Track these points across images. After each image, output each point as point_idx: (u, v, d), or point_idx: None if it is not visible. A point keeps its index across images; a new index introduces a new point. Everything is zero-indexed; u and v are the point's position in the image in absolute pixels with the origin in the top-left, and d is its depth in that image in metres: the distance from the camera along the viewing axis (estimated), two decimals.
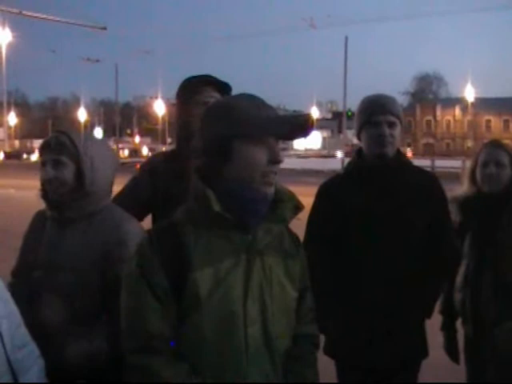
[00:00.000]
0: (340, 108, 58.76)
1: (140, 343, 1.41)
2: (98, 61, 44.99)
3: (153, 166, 2.46)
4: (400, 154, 2.38)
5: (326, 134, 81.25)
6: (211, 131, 1.46)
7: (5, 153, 53.07)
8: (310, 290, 1.66)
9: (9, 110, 61.06)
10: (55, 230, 1.95)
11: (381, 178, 2.30)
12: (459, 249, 2.54)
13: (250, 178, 1.44)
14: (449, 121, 76.41)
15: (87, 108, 74.99)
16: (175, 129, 2.53)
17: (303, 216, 1.75)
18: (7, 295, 1.72)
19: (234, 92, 2.26)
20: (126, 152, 53.90)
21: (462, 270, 2.62)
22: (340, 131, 59.49)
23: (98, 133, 43.33)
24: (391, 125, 2.28)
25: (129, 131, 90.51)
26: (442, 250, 2.34)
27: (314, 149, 72.46)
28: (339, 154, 52.79)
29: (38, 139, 59.70)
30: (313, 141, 74.16)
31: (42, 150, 1.95)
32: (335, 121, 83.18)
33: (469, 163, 2.76)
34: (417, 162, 2.62)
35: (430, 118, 77.22)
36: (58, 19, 39.73)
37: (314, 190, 2.50)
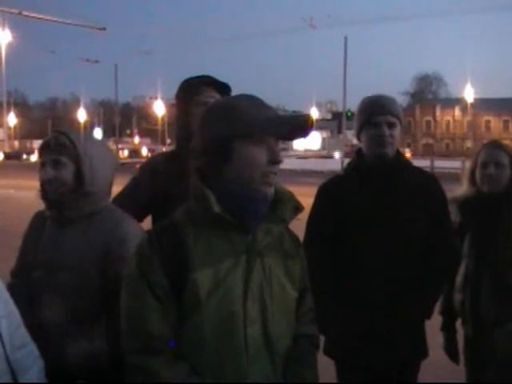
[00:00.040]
0: (339, 108, 58.77)
1: (140, 343, 1.41)
2: (97, 61, 44.97)
3: (153, 166, 2.46)
4: (400, 155, 2.38)
5: (325, 134, 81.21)
6: (211, 131, 1.46)
7: (4, 153, 53.08)
8: (309, 290, 1.66)
9: (8, 111, 61.06)
10: (55, 230, 1.95)
11: (380, 178, 2.31)
12: (459, 249, 2.54)
13: (249, 179, 1.44)
14: (448, 121, 76.43)
15: (87, 108, 74.98)
16: (175, 129, 2.53)
17: (303, 216, 1.75)
18: (7, 295, 1.72)
19: (234, 92, 2.27)
20: (126, 152, 53.90)
21: (461, 270, 2.62)
22: (340, 132, 59.51)
23: (98, 133, 43.25)
24: (391, 125, 2.28)
25: (128, 132, 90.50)
26: (442, 251, 2.35)
27: (313, 149, 72.46)
28: (337, 154, 52.81)
29: (37, 139, 59.67)
30: (312, 141, 74.13)
31: (42, 150, 1.95)
32: (335, 121, 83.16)
33: (468, 164, 2.76)
34: (416, 163, 2.62)
35: (429, 118, 77.23)
36: (57, 20, 39.73)
37: (313, 190, 2.50)
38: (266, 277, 1.48)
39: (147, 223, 2.15)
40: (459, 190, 2.71)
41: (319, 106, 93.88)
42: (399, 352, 2.27)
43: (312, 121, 1.50)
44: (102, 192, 1.97)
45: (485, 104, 68.10)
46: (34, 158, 40.81)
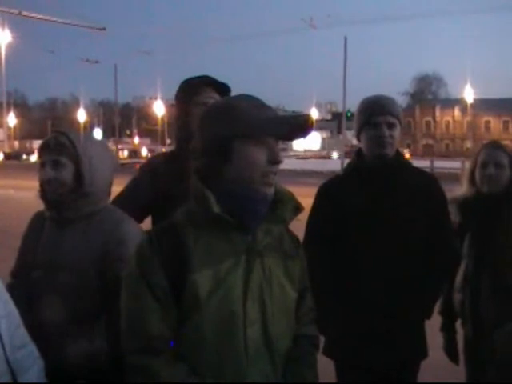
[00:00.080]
0: (339, 109, 58.77)
1: (140, 344, 1.41)
2: (97, 61, 44.94)
3: (153, 166, 2.46)
4: (399, 155, 2.38)
5: (325, 134, 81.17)
6: (211, 132, 1.46)
7: (4, 153, 53.07)
8: (309, 290, 1.66)
9: (8, 111, 61.03)
10: (54, 231, 1.95)
11: (380, 178, 2.31)
12: (459, 249, 2.55)
13: (249, 179, 1.44)
14: (448, 121, 76.43)
15: (87, 109, 74.97)
16: (175, 130, 2.53)
17: (303, 217, 1.75)
18: (6, 296, 1.72)
19: (234, 92, 2.27)
20: (126, 153, 53.94)
21: (461, 270, 2.63)
22: (339, 132, 59.49)
23: (98, 133, 43.20)
24: (391, 126, 2.29)
25: (128, 132, 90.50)
26: (442, 251, 2.35)
27: (313, 149, 72.42)
28: (335, 154, 52.73)
29: (37, 140, 59.64)
30: (312, 142, 74.07)
31: (41, 150, 1.95)
32: (335, 121, 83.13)
33: (468, 164, 2.77)
34: (416, 163, 2.63)
35: (429, 118, 77.24)
36: (57, 20, 39.70)
37: (313, 190, 2.50)
38: (266, 277, 1.48)
39: (147, 224, 2.15)
40: (459, 190, 2.71)
41: (319, 106, 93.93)
42: (399, 352, 2.27)
43: (312, 121, 1.50)
44: (101, 192, 1.97)
45: (484, 104, 68.09)
46: (34, 158, 40.77)
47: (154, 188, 2.34)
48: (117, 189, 2.33)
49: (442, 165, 28.31)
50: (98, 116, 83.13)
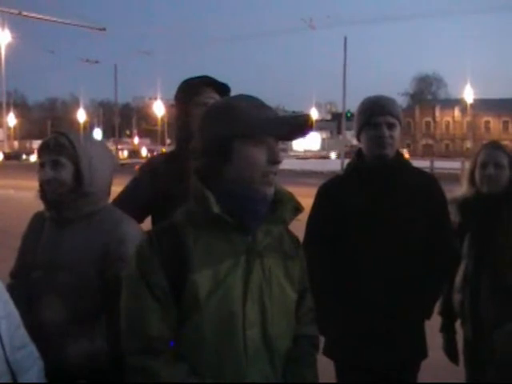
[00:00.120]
0: (339, 109, 58.81)
1: (140, 345, 1.41)
2: (97, 62, 44.99)
3: (153, 167, 2.46)
4: (399, 155, 2.38)
5: (325, 135, 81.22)
6: (211, 132, 1.46)
7: (4, 153, 53.07)
8: (309, 290, 1.66)
9: (8, 111, 60.99)
10: (54, 231, 1.95)
11: (380, 178, 2.31)
12: (458, 250, 2.54)
13: (249, 179, 1.44)
14: (448, 122, 76.46)
15: (86, 109, 75.00)
16: (174, 130, 2.53)
17: (303, 217, 1.75)
18: (6, 296, 1.72)
19: (234, 92, 2.27)
20: (126, 153, 53.98)
21: (461, 270, 2.63)
22: (339, 132, 59.50)
23: (98, 134, 43.20)
24: (391, 126, 2.29)
25: (128, 132, 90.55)
26: (442, 251, 2.35)
27: (313, 150, 72.41)
28: (333, 155, 52.66)
29: (37, 140, 59.66)
30: (312, 142, 74.08)
31: (41, 150, 1.95)
32: (334, 122, 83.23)
33: (468, 164, 2.77)
34: (416, 163, 2.63)
35: (429, 119, 77.27)
36: (57, 20, 39.72)
37: (313, 190, 2.50)
38: (266, 278, 1.48)
39: (147, 224, 2.15)
40: (459, 190, 2.71)
41: (319, 106, 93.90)
42: (399, 352, 2.27)
43: (312, 121, 1.51)
44: (100, 192, 1.97)
45: (484, 105, 68.13)
46: (34, 158, 40.77)
47: (154, 188, 2.34)
48: (117, 189, 2.33)
49: (442, 165, 28.32)
50: (98, 116, 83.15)
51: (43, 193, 1.94)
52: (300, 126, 1.49)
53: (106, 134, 65.94)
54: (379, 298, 2.23)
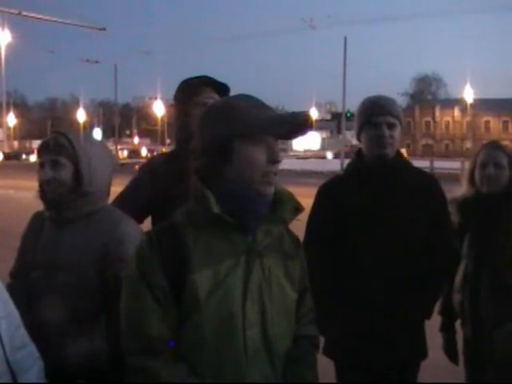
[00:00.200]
0: (339, 109, 58.78)
1: (140, 344, 1.41)
2: (97, 62, 44.92)
3: (153, 167, 2.46)
4: (400, 155, 2.39)
5: (325, 134, 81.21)
6: (211, 132, 1.46)
7: (4, 153, 53.08)
8: (309, 290, 1.66)
9: (8, 111, 60.95)
10: (53, 231, 1.95)
11: (380, 179, 2.31)
12: (458, 250, 2.54)
13: (249, 179, 1.44)
14: (448, 122, 76.41)
15: (86, 109, 74.94)
16: (174, 130, 2.53)
17: (303, 217, 1.75)
18: (6, 296, 1.72)
19: (233, 92, 2.27)
20: (125, 153, 53.97)
21: (460, 270, 2.63)
22: (339, 132, 59.49)
23: (97, 134, 43.18)
24: (391, 126, 2.29)
25: (128, 132, 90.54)
26: (442, 251, 2.35)
27: (313, 149, 72.38)
28: (329, 155, 52.58)
29: (36, 140, 59.62)
30: (312, 142, 74.06)
31: (41, 150, 1.95)
32: (334, 122, 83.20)
33: (468, 164, 2.77)
34: (415, 163, 2.63)
35: (428, 119, 77.21)
36: (57, 20, 39.68)
37: (313, 190, 2.50)
38: (266, 278, 1.48)
39: (147, 224, 2.15)
40: (458, 190, 2.71)
41: (319, 106, 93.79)
42: (399, 352, 2.27)
43: (311, 119, 1.51)
44: (100, 192, 1.97)
45: (484, 104, 68.07)
46: (34, 158, 40.80)
47: (154, 188, 2.34)
48: (117, 189, 2.33)
49: (442, 165, 28.31)
50: (98, 116, 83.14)
51: (43, 193, 1.94)
52: (300, 124, 1.48)
53: (105, 134, 65.90)
54: (379, 298, 2.23)
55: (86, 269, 1.86)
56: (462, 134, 71.99)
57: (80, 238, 1.90)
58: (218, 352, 1.42)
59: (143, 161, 3.12)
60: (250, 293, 1.44)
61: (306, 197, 2.51)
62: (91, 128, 60.61)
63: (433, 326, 2.63)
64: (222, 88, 2.36)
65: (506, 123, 73.40)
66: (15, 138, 76.23)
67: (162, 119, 66.10)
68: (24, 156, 53.70)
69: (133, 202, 2.32)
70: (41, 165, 1.94)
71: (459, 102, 65.76)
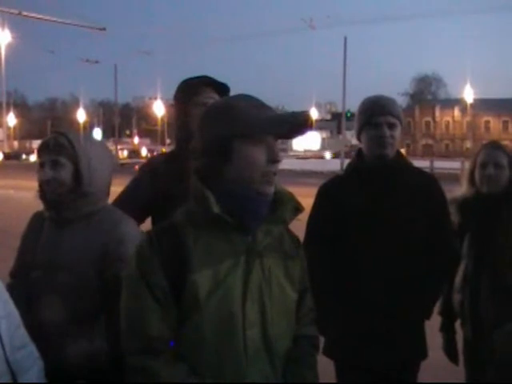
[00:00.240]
0: (339, 109, 58.79)
1: (140, 344, 1.41)
2: (97, 62, 44.93)
3: (153, 167, 2.46)
4: (400, 155, 2.39)
5: (325, 134, 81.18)
6: (211, 132, 1.46)
7: (4, 153, 53.08)
8: (309, 290, 1.66)
9: (8, 111, 60.94)
10: (53, 231, 1.95)
11: (380, 179, 2.31)
12: (458, 250, 2.54)
13: (249, 178, 1.44)
14: (448, 122, 76.35)
15: (86, 109, 74.94)
16: (174, 130, 2.53)
17: (303, 217, 1.75)
18: (6, 296, 1.72)
19: (233, 92, 2.27)
20: (125, 153, 53.99)
21: (460, 270, 2.62)
22: (339, 132, 59.50)
23: (97, 134, 43.20)
24: (391, 126, 2.29)
25: (128, 132, 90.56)
26: (442, 251, 2.35)
27: (313, 149, 72.35)
28: (328, 155, 52.51)
29: (37, 140, 59.61)
30: (312, 142, 74.03)
31: (41, 150, 1.95)
32: (334, 122, 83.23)
33: (468, 164, 2.77)
34: (415, 163, 2.62)
35: (428, 119, 77.16)
36: (57, 20, 39.67)
37: (313, 190, 2.50)
38: (266, 278, 1.48)
39: (147, 224, 2.15)
40: (459, 190, 2.71)
41: (319, 106, 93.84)
42: (399, 352, 2.27)
43: (311, 119, 1.51)
44: (100, 192, 1.97)
45: (484, 104, 68.02)
46: (34, 158, 40.79)
47: (154, 188, 2.34)
48: (117, 189, 2.33)
49: (442, 165, 28.31)
50: (98, 116, 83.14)
51: (43, 193, 1.94)
52: (300, 124, 1.48)
53: (105, 134, 65.90)
54: (379, 298, 2.23)
55: (86, 269, 1.86)
56: (462, 134, 71.95)
57: (80, 238, 1.90)
58: (218, 352, 1.42)
59: (143, 161, 3.12)
60: (250, 293, 1.44)
61: (306, 197, 2.51)
62: (91, 128, 60.60)
63: (433, 326, 2.63)
64: (221, 88, 2.36)
65: (506, 123, 73.35)
66: (15, 138, 76.25)
67: (162, 119, 66.10)
68: (24, 156, 53.73)
69: (133, 202, 2.32)
70: (41, 165, 1.94)
71: (459, 101, 65.72)
